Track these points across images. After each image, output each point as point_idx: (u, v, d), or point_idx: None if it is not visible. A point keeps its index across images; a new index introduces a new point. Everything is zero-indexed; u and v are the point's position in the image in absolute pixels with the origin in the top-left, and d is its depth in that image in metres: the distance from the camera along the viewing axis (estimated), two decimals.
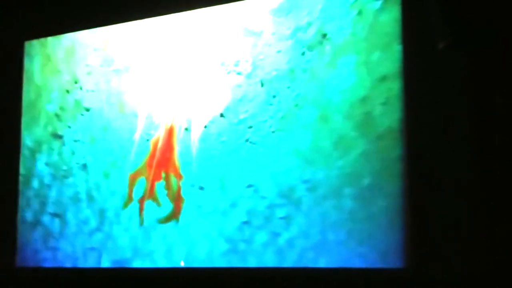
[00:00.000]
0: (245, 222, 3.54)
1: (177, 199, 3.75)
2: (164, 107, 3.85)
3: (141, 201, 3.85)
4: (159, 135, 3.85)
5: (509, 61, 2.77)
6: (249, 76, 3.61)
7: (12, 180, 4.28)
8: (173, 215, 3.73)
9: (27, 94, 4.32)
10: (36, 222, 4.18)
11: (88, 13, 4.15)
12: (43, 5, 4.30)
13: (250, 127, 3.56)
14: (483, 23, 2.70)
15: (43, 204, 4.18)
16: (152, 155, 3.86)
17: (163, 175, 3.81)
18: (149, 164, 3.86)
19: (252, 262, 3.51)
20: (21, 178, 4.25)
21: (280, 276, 3.42)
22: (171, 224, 3.76)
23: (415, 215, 3.08)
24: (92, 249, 3.98)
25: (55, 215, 4.13)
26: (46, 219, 4.16)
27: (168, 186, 3.79)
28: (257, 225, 3.52)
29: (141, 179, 3.87)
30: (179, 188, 3.74)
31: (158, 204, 3.79)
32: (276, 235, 3.43)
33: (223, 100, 3.67)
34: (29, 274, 4.18)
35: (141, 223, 3.84)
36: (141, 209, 3.85)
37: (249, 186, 3.53)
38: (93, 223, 4.01)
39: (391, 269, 3.14)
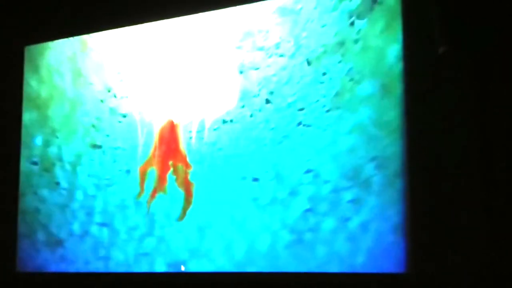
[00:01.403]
0: (309, 210, 2.88)
1: (186, 185, 3.17)
2: (169, 98, 3.32)
3: (153, 192, 3.29)
4: (162, 126, 3.31)
5: (509, 61, 2.43)
6: (293, 56, 2.92)
7: (12, 182, 3.77)
8: (187, 204, 3.17)
9: (61, 109, 3.68)
10: (84, 234, 3.53)
11: (91, 17, 3.61)
12: (43, 9, 3.77)
13: (301, 109, 2.90)
14: (483, 24, 2.36)
15: (90, 215, 3.52)
16: (157, 147, 3.31)
17: (170, 164, 3.25)
18: (155, 155, 3.31)
19: (321, 251, 2.82)
20: (64, 192, 3.61)
21: (280, 281, 2.89)
22: (227, 220, 3.09)
23: (416, 220, 2.60)
24: (145, 254, 3.32)
25: (103, 224, 3.47)
26: (94, 229, 3.51)
27: (176, 173, 3.21)
28: (322, 211, 2.84)
29: (151, 170, 3.30)
30: (186, 174, 3.16)
31: (164, 193, 3.24)
32: (345, 220, 2.65)
33: (265, 85, 3.02)
34: (32, 279, 3.63)
35: (148, 211, 3.28)
36: (149, 200, 3.28)
37: (308, 171, 2.88)
38: (143, 228, 3.35)
39: (392, 274, 2.63)
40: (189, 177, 3.18)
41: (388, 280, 2.65)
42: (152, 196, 3.30)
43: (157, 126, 3.34)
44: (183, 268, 3.16)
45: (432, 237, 2.57)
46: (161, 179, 3.28)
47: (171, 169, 3.25)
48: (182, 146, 3.23)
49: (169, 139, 3.29)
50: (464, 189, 2.53)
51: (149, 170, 3.32)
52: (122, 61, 3.49)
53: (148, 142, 3.35)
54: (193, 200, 3.16)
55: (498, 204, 2.46)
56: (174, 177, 3.23)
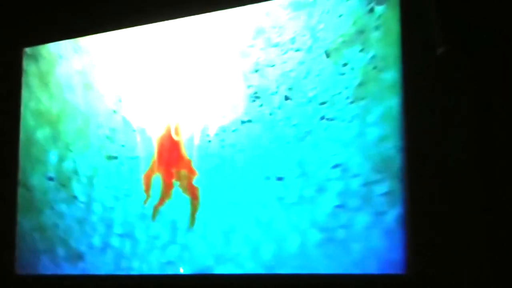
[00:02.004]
0: (339, 206, 2.65)
1: (190, 190, 2.99)
2: (168, 104, 3.14)
3: (161, 199, 3.11)
4: (161, 133, 3.14)
5: (509, 61, 2.32)
6: (309, 50, 2.71)
7: (12, 184, 3.62)
8: (193, 208, 2.98)
9: (74, 123, 3.47)
10: (105, 246, 3.31)
11: (91, 18, 3.44)
12: (42, 11, 3.60)
13: (323, 103, 2.71)
14: (483, 25, 2.26)
15: (109, 227, 3.31)
16: (158, 154, 3.14)
17: (173, 171, 3.08)
18: (158, 162, 3.14)
19: (356, 248, 2.58)
20: (82, 206, 3.40)
21: (278, 282, 2.73)
22: (253, 222, 2.86)
23: (417, 221, 2.45)
24: (169, 263, 3.10)
25: (123, 235, 3.25)
26: (114, 241, 3.29)
27: (179, 179, 3.05)
28: (354, 207, 2.61)
29: (156, 176, 3.13)
30: (190, 179, 2.99)
31: (169, 198, 3.08)
32: (380, 214, 2.37)
33: (281, 82, 2.79)
34: (31, 282, 3.46)
35: (153, 218, 3.10)
36: (156, 207, 3.10)
37: (336, 166, 2.67)
38: (166, 236, 3.12)
39: (392, 275, 2.46)
40: (193, 181, 3.00)
41: (387, 281, 2.48)
42: (161, 202, 3.12)
43: (156, 134, 3.16)
44: (182, 271, 2.99)
45: (432, 237, 2.42)
46: (167, 184, 3.10)
47: (175, 175, 3.08)
48: (184, 152, 3.05)
49: (170, 146, 3.11)
50: (464, 189, 2.40)
51: (153, 176, 3.16)
52: (132, 68, 3.27)
53: (150, 150, 3.17)
54: (199, 204, 2.98)
55: (498, 204, 2.35)
56: (178, 182, 3.06)
